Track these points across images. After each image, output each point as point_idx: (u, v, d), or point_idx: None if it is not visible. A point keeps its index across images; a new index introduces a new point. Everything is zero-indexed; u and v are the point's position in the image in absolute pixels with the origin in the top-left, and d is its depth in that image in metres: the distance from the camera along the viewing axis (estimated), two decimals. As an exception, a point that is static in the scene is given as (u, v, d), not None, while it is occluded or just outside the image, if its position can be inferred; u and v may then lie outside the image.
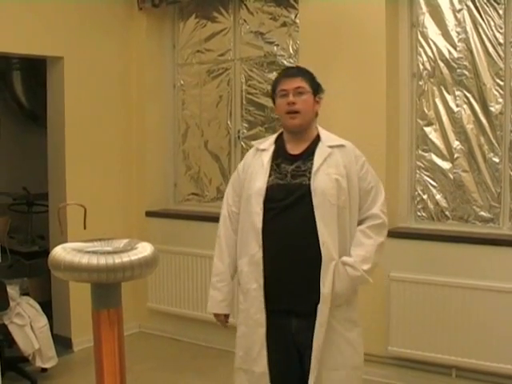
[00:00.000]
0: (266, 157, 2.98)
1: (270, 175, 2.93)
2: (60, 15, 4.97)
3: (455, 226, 4.38)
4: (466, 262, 4.12)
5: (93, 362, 2.88)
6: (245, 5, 5.23)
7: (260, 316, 2.89)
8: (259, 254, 2.87)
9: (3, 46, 4.50)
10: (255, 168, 2.99)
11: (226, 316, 3.09)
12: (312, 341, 2.83)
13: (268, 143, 3.05)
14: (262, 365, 2.89)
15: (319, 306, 2.81)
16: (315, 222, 2.81)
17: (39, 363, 4.46)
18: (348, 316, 2.92)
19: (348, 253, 2.88)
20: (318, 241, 2.80)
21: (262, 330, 2.88)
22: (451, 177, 4.41)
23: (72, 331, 5.16)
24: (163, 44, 5.65)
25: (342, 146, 2.96)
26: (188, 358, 5.06)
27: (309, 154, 2.93)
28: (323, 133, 3.01)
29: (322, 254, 2.80)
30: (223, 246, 3.07)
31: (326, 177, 2.85)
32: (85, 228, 3.64)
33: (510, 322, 3.96)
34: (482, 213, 4.32)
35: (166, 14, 5.61)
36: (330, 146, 2.93)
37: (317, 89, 2.98)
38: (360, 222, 2.94)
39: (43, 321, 4.52)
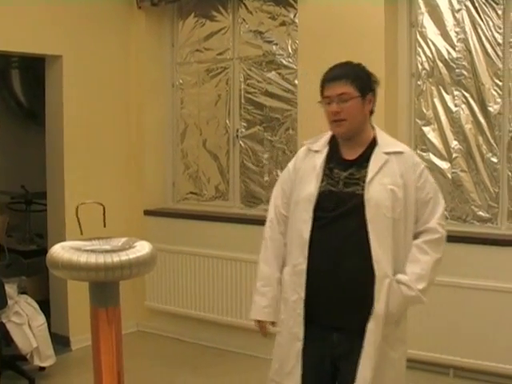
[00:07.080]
0: (319, 159, 2.74)
1: (322, 180, 2.70)
2: (59, 14, 4.97)
3: (453, 225, 4.36)
4: (464, 262, 4.12)
5: (91, 360, 2.88)
6: (244, 4, 5.23)
7: (298, 330, 2.68)
8: (303, 266, 2.66)
9: (2, 44, 4.50)
10: (306, 171, 2.76)
11: (272, 324, 2.83)
12: (349, 352, 2.63)
13: (321, 144, 2.79)
14: (294, 380, 2.69)
15: (370, 325, 2.58)
16: (368, 235, 2.58)
17: (37, 362, 4.46)
18: (396, 335, 2.69)
19: (402, 268, 2.64)
20: (371, 256, 2.57)
21: (299, 345, 2.67)
22: (449, 176, 4.41)
23: (70, 330, 5.16)
24: (162, 43, 5.64)
25: (399, 152, 2.70)
26: (186, 357, 5.06)
27: (364, 160, 2.68)
28: (380, 135, 2.75)
29: (376, 272, 2.57)
30: (269, 249, 2.84)
31: (380, 187, 2.61)
32: (105, 226, 3.64)
33: (508, 321, 3.97)
34: (481, 213, 4.32)
35: (165, 12, 5.61)
36: (387, 153, 2.68)
37: (366, 88, 2.70)
38: (416, 235, 2.70)
39: (41, 319, 4.52)
